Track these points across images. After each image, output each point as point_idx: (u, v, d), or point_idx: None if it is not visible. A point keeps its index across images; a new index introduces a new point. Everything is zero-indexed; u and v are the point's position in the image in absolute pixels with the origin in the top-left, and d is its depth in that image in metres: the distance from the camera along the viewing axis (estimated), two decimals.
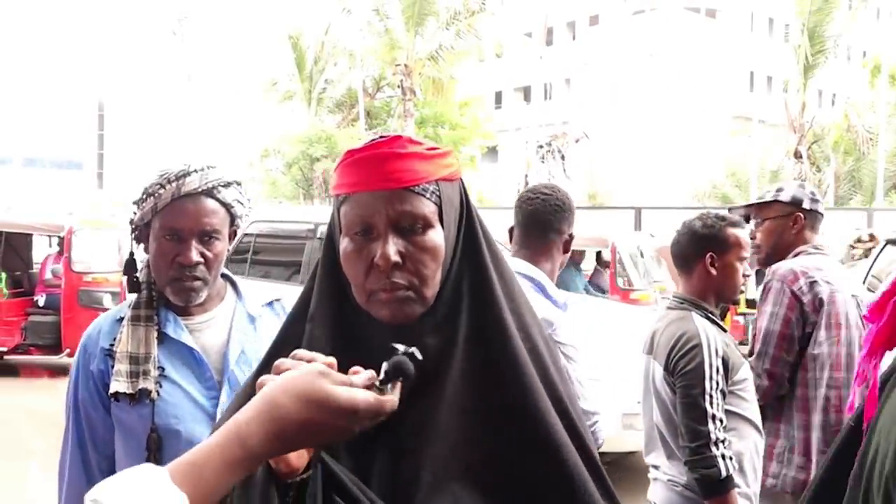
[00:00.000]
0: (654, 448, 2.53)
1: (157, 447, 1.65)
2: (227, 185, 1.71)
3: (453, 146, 25.70)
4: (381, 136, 1.05)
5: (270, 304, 1.87)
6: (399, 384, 0.87)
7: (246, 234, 6.82)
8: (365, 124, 24.37)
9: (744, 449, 2.33)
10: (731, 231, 2.46)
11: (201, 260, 1.67)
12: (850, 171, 25.46)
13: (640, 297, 8.09)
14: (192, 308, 1.74)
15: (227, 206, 1.71)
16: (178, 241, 1.66)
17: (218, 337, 1.75)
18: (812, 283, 2.63)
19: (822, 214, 2.88)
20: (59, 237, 9.68)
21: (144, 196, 1.68)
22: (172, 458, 1.53)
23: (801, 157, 22.40)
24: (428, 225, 1.02)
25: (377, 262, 1.00)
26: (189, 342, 1.72)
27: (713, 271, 2.45)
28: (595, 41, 40.69)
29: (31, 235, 10.54)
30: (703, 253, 2.46)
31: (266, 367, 1.05)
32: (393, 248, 1.00)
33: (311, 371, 0.83)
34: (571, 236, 2.35)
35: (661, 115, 36.85)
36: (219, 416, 1.67)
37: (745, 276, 2.48)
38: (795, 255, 2.79)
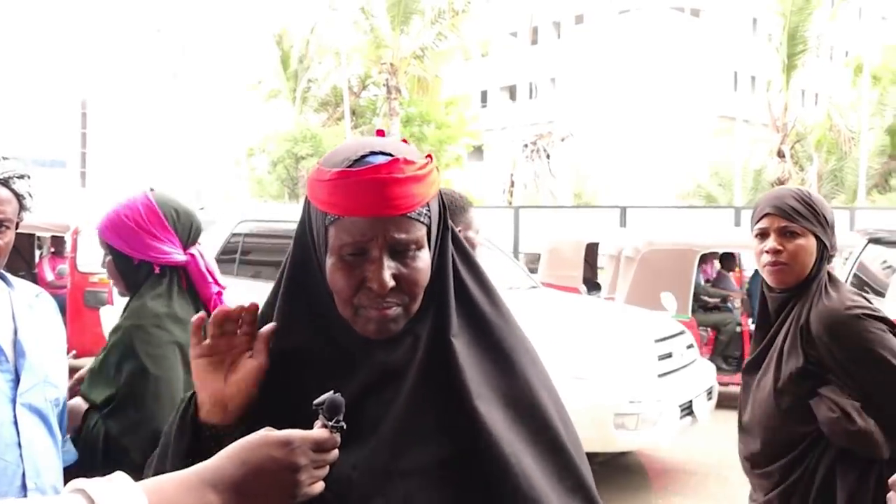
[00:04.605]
0: None
1: None
2: (21, 176, 1.68)
3: (439, 145, 25.73)
4: (371, 152, 1.01)
5: (37, 295, 1.85)
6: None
7: (234, 234, 6.72)
8: (350, 123, 24.31)
9: None
10: None
11: None
12: (832, 171, 25.62)
13: None
14: None
15: (19, 197, 1.69)
16: None
17: (2, 322, 1.70)
18: None
19: None
20: (51, 237, 9.52)
21: None
22: None
23: (784, 156, 22.59)
24: (420, 247, 1.04)
25: (372, 285, 1.01)
26: None
27: None
28: (580, 40, 40.80)
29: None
30: None
31: None
32: (388, 273, 1.00)
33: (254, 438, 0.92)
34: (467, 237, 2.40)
35: (645, 115, 37.01)
36: (19, 397, 1.63)
37: None
38: None
